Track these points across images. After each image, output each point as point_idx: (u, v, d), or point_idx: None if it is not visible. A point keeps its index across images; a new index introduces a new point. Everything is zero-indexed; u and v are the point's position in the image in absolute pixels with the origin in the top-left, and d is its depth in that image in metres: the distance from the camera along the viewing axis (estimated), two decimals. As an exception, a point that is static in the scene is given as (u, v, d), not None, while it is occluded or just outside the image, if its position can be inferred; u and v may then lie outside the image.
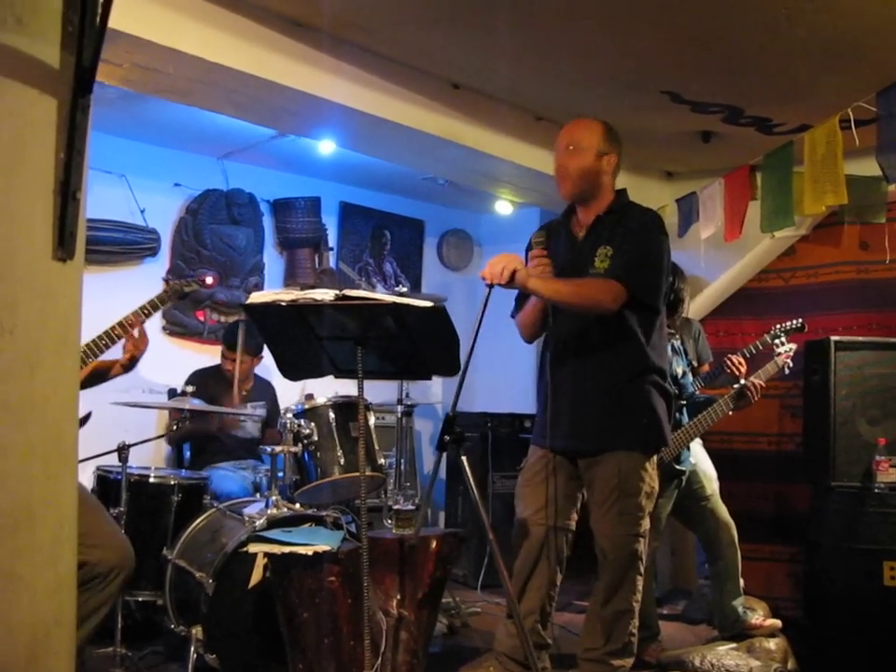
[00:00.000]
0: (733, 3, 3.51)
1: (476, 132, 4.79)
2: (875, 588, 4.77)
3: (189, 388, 4.24)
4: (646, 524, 3.28)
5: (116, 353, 3.67)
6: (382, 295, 3.03)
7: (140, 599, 4.03)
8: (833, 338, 5.14)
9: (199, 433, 5.00)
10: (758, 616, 4.44)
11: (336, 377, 3.21)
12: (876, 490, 4.91)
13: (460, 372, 3.06)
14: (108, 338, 3.46)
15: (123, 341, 3.60)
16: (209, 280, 5.62)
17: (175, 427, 4.54)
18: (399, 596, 3.43)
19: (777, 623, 4.45)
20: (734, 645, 4.17)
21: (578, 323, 3.25)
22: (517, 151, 5.02)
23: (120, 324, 3.54)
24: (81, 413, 1.99)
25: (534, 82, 4.53)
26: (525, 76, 4.43)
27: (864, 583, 4.80)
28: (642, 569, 3.29)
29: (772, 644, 4.27)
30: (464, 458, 3.02)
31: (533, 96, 4.74)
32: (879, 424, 5.09)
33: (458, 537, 3.65)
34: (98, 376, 3.68)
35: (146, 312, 3.63)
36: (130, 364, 3.74)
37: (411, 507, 3.89)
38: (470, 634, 4.41)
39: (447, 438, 2.98)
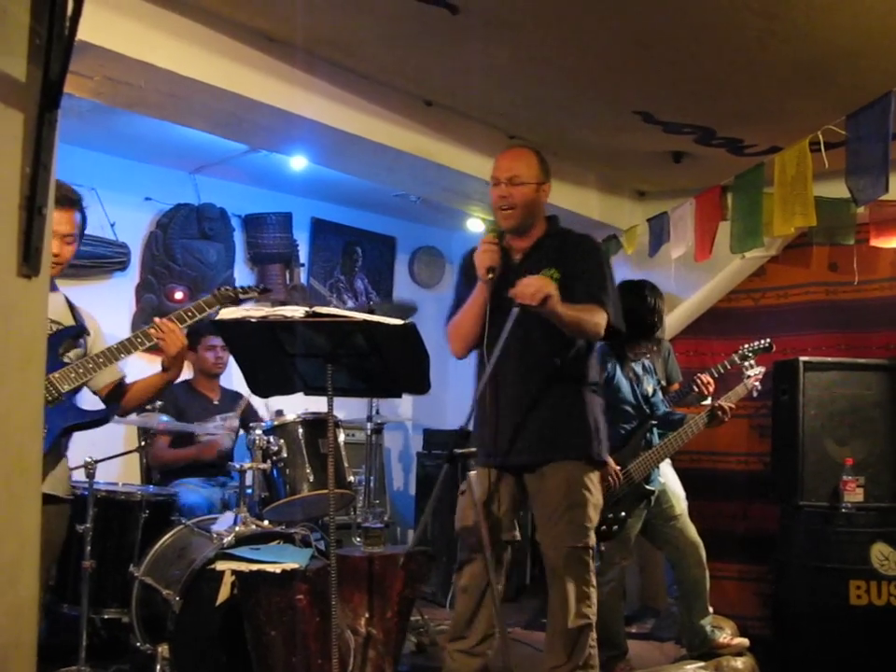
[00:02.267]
0: (705, 25, 3.54)
1: (448, 149, 4.80)
2: (841, 607, 4.81)
3: (157, 403, 4.19)
4: (593, 537, 3.29)
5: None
6: (352, 312, 3.02)
7: (106, 616, 3.99)
8: (802, 358, 5.18)
9: (178, 462, 4.94)
10: (726, 635, 4.45)
11: (306, 394, 3.19)
12: (843, 510, 4.95)
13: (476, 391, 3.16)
14: (144, 336, 3.22)
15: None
16: (178, 295, 5.62)
17: (143, 443, 4.51)
18: (367, 615, 3.42)
19: (745, 641, 4.46)
20: (702, 664, 4.18)
21: (522, 335, 3.21)
22: (489, 169, 5.01)
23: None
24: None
25: (506, 101, 4.54)
26: (497, 94, 4.45)
27: (831, 602, 4.84)
28: (595, 581, 3.30)
29: (739, 663, 4.28)
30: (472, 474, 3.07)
31: (505, 114, 4.75)
32: (847, 444, 5.14)
33: (428, 555, 3.64)
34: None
35: (189, 315, 3.29)
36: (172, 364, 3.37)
37: (380, 524, 3.88)
38: (439, 652, 4.38)
39: (457, 451, 2.96)
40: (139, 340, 3.19)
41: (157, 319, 3.26)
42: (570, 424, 3.30)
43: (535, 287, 3.05)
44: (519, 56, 3.96)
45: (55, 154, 1.75)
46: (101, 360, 3.08)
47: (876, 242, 5.23)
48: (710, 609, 4.40)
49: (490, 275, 3.19)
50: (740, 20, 3.44)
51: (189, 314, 3.29)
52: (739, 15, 3.40)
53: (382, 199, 6.24)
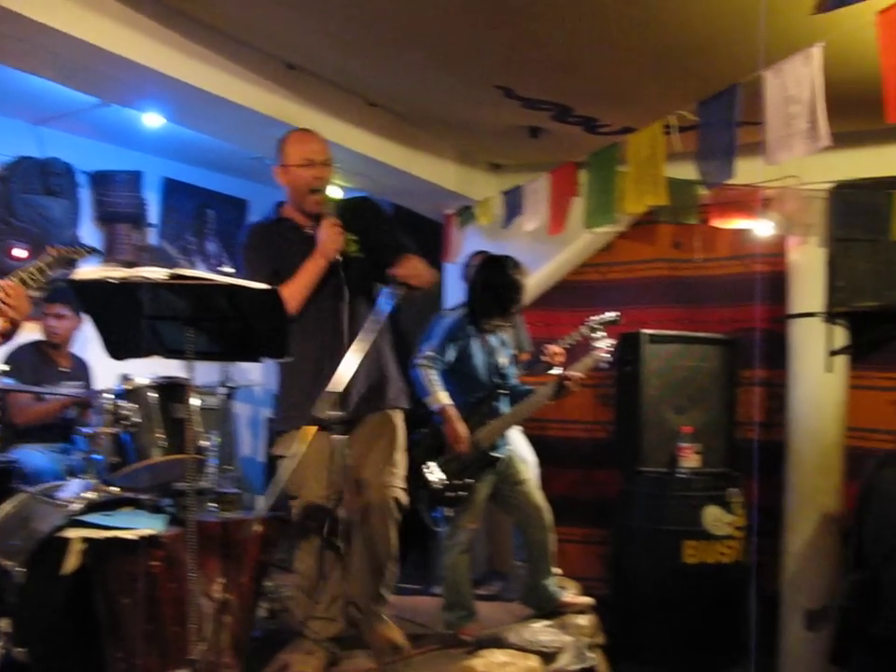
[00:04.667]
0: (568, 6, 3.62)
1: (308, 113, 4.74)
2: (676, 566, 5.10)
3: (4, 367, 4.02)
4: None
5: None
6: (216, 275, 2.98)
7: (-59, 593, 3.82)
8: (645, 331, 5.41)
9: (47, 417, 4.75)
10: (570, 595, 4.62)
11: (165, 357, 3.13)
12: (680, 475, 5.22)
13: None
14: None
15: None
16: (22, 253, 5.38)
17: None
18: (222, 580, 3.40)
19: (588, 600, 4.63)
20: (547, 622, 4.32)
21: (347, 298, 3.41)
22: (348, 136, 5.00)
23: None
24: None
25: (367, 68, 4.53)
26: (358, 61, 4.43)
27: (666, 562, 5.13)
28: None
29: (583, 620, 4.44)
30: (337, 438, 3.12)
31: (366, 82, 4.75)
32: (685, 413, 5.41)
33: (282, 520, 3.63)
34: None
35: (32, 279, 3.07)
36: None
37: (234, 490, 3.86)
38: (291, 618, 4.39)
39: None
40: None
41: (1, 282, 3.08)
42: (389, 377, 3.59)
43: (430, 273, 3.30)
44: (381, 25, 3.95)
45: None
46: None
47: (717, 222, 5.48)
48: (555, 571, 4.56)
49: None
50: (601, 3, 3.55)
51: (32, 277, 3.09)
52: (601, -1, 3.51)
53: (236, 161, 6.12)
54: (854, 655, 3.60)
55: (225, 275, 3.48)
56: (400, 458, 3.59)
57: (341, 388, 3.07)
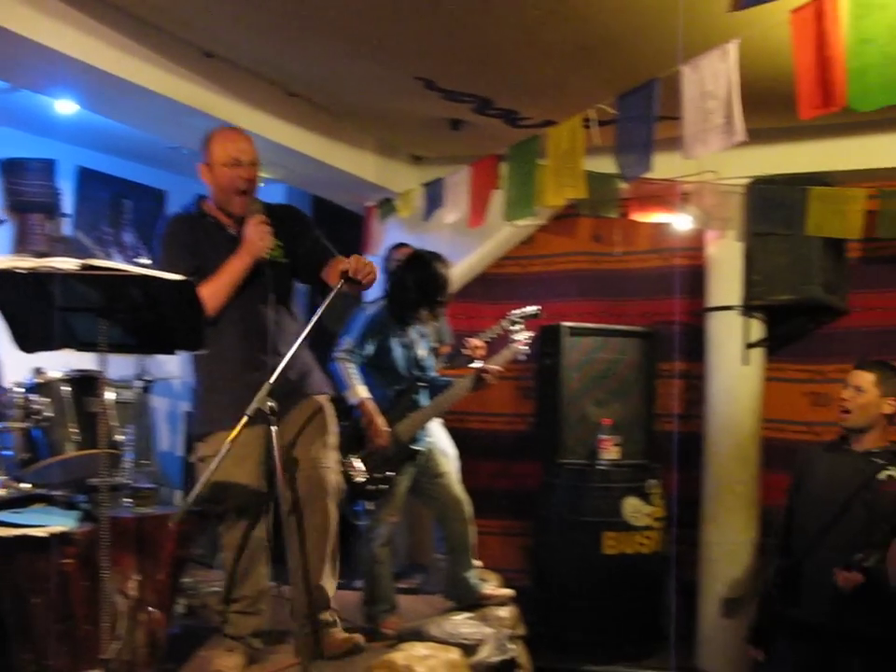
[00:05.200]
0: (487, -1, 3.63)
1: (226, 103, 4.67)
2: (595, 556, 5.17)
3: None
4: None
5: None
6: (129, 266, 2.92)
7: None
8: (565, 324, 5.45)
9: None
10: (491, 587, 4.63)
11: (77, 350, 3.05)
12: (599, 467, 5.28)
13: None
14: None
15: None
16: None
17: None
18: (137, 577, 3.34)
19: (509, 592, 4.65)
20: (468, 614, 4.32)
21: (271, 299, 3.38)
22: (267, 126, 4.94)
23: None
24: None
25: (286, 57, 4.48)
26: (277, 49, 4.38)
27: (587, 553, 5.19)
28: None
29: (504, 612, 4.46)
30: (273, 429, 3.02)
31: (286, 71, 4.69)
32: (605, 405, 5.48)
33: (200, 514, 3.58)
34: None
35: None
36: None
37: (150, 485, 3.79)
38: (209, 614, 4.33)
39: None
40: None
41: None
42: (313, 366, 3.59)
43: (375, 269, 3.24)
44: (296, 13, 3.91)
45: None
46: None
47: (636, 216, 5.54)
48: (476, 563, 4.57)
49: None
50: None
51: None
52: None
53: (153, 151, 5.99)
54: (775, 639, 3.68)
55: (141, 266, 3.43)
56: (333, 441, 3.56)
57: (272, 379, 3.03)
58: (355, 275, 3.19)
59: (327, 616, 3.48)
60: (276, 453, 3.02)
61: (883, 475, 3.39)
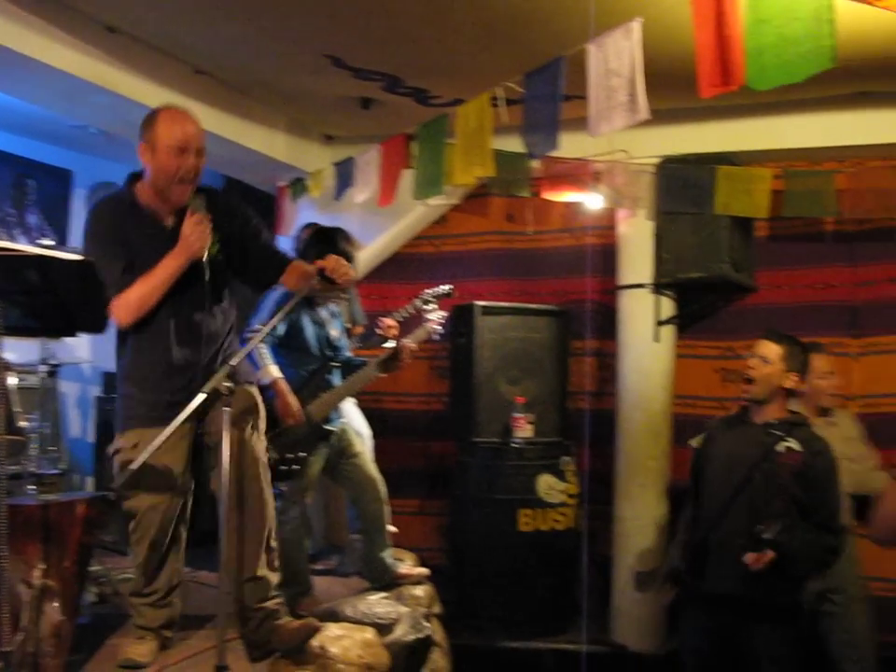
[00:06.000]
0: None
1: (131, 80, 4.57)
2: (511, 533, 5.21)
3: None
4: None
5: None
6: (25, 246, 2.84)
7: None
8: (478, 303, 5.47)
9: None
10: (406, 566, 4.65)
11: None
12: (514, 445, 5.31)
13: None
14: None
15: None
16: None
17: None
18: (42, 565, 3.26)
19: (425, 571, 4.67)
20: (384, 594, 4.34)
21: (207, 296, 3.27)
22: (175, 104, 4.83)
23: None
24: None
25: (193, 34, 4.41)
26: (183, 26, 4.31)
27: (502, 530, 5.23)
28: None
29: (419, 591, 4.48)
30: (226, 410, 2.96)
31: (193, 48, 4.61)
32: (518, 384, 5.51)
33: (107, 501, 3.51)
34: None
35: None
36: None
37: (55, 471, 3.71)
38: (122, 602, 4.26)
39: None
40: None
41: None
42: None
43: (351, 271, 3.25)
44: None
45: None
46: None
47: (548, 195, 5.57)
48: (391, 543, 4.57)
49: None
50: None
51: None
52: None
53: (58, 129, 5.84)
54: (684, 611, 3.76)
55: (43, 248, 3.33)
56: (262, 427, 3.45)
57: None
58: (332, 274, 3.15)
59: (271, 606, 3.34)
60: (226, 437, 2.95)
61: (781, 446, 3.46)
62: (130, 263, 3.15)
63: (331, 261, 3.19)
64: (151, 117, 3.22)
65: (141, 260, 3.16)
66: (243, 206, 3.48)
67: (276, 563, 3.39)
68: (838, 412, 4.55)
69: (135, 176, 3.31)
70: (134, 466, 2.82)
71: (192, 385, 3.15)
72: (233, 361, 2.96)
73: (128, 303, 3.15)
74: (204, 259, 3.20)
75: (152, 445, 2.84)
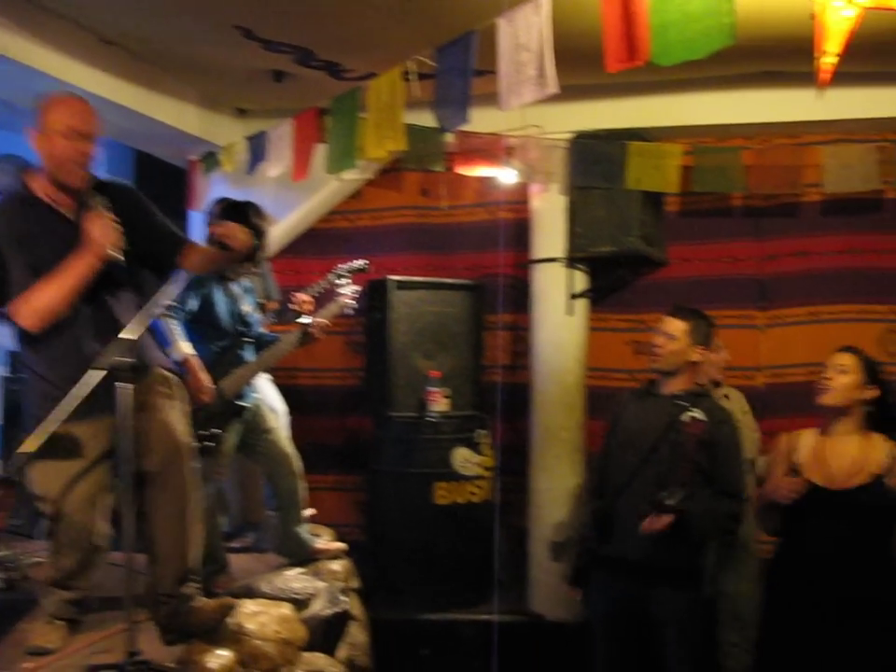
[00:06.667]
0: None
1: (30, 46, 4.38)
2: (427, 507, 5.26)
3: None
4: None
5: None
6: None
7: None
8: (392, 277, 5.47)
9: None
10: (323, 541, 4.65)
11: None
12: (429, 419, 5.34)
13: None
14: None
15: None
16: None
17: None
18: (-58, 552, 3.19)
19: (342, 546, 4.69)
20: (301, 570, 4.35)
21: (114, 292, 3.23)
22: (80, 75, 4.69)
23: None
24: None
25: (99, 2, 4.27)
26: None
27: (418, 503, 5.27)
28: None
29: (336, 566, 4.51)
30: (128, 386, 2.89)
31: (98, 17, 4.46)
32: (433, 358, 5.53)
33: (11, 482, 3.44)
34: None
35: None
36: None
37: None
38: (31, 587, 4.18)
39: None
40: None
41: None
42: (151, 344, 3.39)
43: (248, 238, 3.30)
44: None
45: None
46: None
47: (462, 169, 5.58)
48: (308, 519, 4.57)
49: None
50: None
51: None
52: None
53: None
54: (592, 578, 3.83)
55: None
56: (184, 407, 3.41)
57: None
58: (224, 240, 3.17)
59: (187, 589, 3.30)
60: (126, 414, 2.89)
61: (686, 416, 3.55)
62: (33, 265, 3.06)
63: (224, 227, 3.16)
64: (42, 103, 3.14)
65: (44, 262, 3.06)
66: (137, 192, 3.42)
67: (196, 549, 3.35)
68: (726, 387, 4.70)
69: (26, 170, 3.25)
70: (33, 447, 2.76)
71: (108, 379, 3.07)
72: (125, 334, 2.89)
73: (36, 309, 3.07)
74: (121, 258, 3.10)
75: (48, 422, 2.79)
